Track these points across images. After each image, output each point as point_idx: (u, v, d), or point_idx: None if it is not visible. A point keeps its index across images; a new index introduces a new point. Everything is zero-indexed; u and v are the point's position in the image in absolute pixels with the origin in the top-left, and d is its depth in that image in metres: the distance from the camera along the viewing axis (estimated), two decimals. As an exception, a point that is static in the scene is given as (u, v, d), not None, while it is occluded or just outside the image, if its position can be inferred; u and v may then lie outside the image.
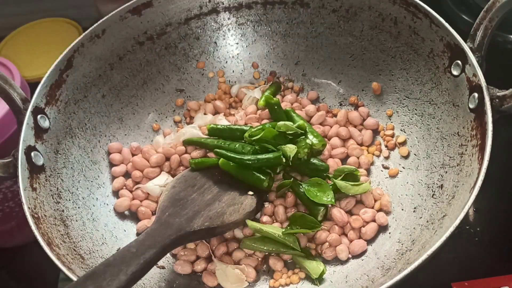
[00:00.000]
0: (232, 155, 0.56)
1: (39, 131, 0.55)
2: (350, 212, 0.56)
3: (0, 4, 0.96)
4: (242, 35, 0.69)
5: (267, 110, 0.63)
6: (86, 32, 0.61)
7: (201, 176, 0.57)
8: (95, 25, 0.62)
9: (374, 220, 0.55)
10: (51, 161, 0.56)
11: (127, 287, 0.42)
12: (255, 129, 0.58)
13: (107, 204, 0.59)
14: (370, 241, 0.54)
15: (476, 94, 0.49)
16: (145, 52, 0.66)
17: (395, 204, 0.56)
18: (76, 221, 0.55)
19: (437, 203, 0.51)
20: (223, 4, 0.67)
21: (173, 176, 0.61)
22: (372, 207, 0.56)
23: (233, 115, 0.65)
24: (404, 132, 0.60)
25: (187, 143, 0.62)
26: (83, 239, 0.53)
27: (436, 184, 0.53)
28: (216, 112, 0.67)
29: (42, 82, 0.57)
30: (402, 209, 0.55)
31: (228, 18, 0.68)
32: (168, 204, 0.53)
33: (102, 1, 0.84)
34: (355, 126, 0.62)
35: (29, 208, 0.49)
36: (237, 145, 0.58)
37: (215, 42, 0.69)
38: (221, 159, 0.56)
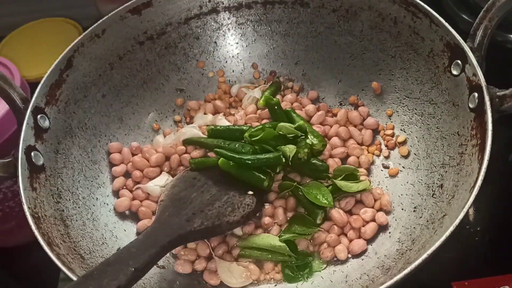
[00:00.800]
0: (232, 154, 0.56)
1: (39, 131, 0.55)
2: (350, 212, 0.56)
3: (0, 4, 0.96)
4: (242, 35, 0.69)
5: (267, 109, 0.63)
6: (86, 32, 0.61)
7: (201, 176, 0.57)
8: (95, 25, 0.62)
9: (374, 220, 0.55)
10: (51, 161, 0.56)
11: (128, 287, 0.42)
12: (255, 129, 0.58)
13: (107, 204, 0.59)
14: (370, 241, 0.54)
15: (476, 94, 0.49)
16: (145, 52, 0.66)
17: (395, 204, 0.56)
18: (76, 221, 0.55)
19: (437, 203, 0.51)
20: (223, 3, 0.67)
21: (173, 176, 0.61)
22: (372, 207, 0.56)
23: (233, 115, 0.65)
24: (404, 131, 0.60)
25: (187, 142, 0.62)
26: (83, 239, 0.53)
27: (436, 183, 0.53)
28: (216, 112, 0.67)
29: (42, 82, 0.57)
30: (402, 209, 0.55)
31: (228, 18, 0.68)
32: (168, 203, 0.53)
33: (102, 1, 0.84)
34: (355, 126, 0.62)
35: (29, 208, 0.49)
36: (237, 145, 0.58)
37: (215, 42, 0.69)
38: (221, 159, 0.56)
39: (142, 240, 0.47)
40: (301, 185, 0.56)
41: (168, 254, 0.54)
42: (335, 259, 0.54)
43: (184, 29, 0.67)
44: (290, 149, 0.55)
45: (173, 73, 0.68)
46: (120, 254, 0.45)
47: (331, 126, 0.62)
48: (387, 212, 0.55)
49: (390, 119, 0.62)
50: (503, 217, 0.62)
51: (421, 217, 0.52)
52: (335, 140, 0.61)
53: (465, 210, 0.43)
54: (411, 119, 0.60)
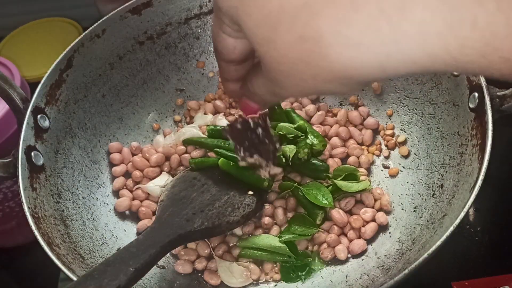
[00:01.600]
0: (232, 154, 0.56)
1: (39, 131, 0.55)
2: (350, 212, 0.56)
3: (0, 4, 0.96)
4: (242, 35, 0.69)
5: (267, 110, 0.63)
6: (86, 32, 0.61)
7: (201, 176, 0.57)
8: (95, 25, 0.62)
9: (374, 220, 0.55)
10: (51, 161, 0.56)
11: (127, 287, 0.42)
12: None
13: (107, 204, 0.59)
14: (370, 241, 0.54)
15: (476, 94, 0.49)
16: (145, 52, 0.66)
17: (395, 204, 0.56)
18: (76, 221, 0.55)
19: (437, 203, 0.51)
20: (223, 3, 0.67)
21: (173, 176, 0.61)
22: (372, 207, 0.56)
23: (233, 115, 0.65)
24: (404, 131, 0.60)
25: (187, 142, 0.62)
26: (83, 239, 0.53)
27: (436, 183, 0.53)
28: (216, 112, 0.67)
29: (42, 82, 0.57)
30: (402, 209, 0.55)
31: (228, 18, 0.68)
32: (168, 203, 0.53)
33: (102, 1, 0.84)
34: (355, 126, 0.62)
35: (29, 208, 0.49)
36: (236, 145, 0.58)
37: (215, 42, 0.69)
38: (221, 159, 0.56)
39: (142, 240, 0.47)
40: (301, 185, 0.56)
41: (168, 254, 0.54)
42: (335, 259, 0.54)
43: (184, 29, 0.67)
44: (290, 149, 0.55)
45: (173, 73, 0.68)
46: (120, 254, 0.44)
47: (331, 126, 0.62)
48: (387, 212, 0.55)
49: (390, 119, 0.62)
50: (503, 217, 0.62)
51: (421, 217, 0.52)
52: (335, 140, 0.61)
53: (465, 210, 0.43)
54: (411, 119, 0.60)
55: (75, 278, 0.45)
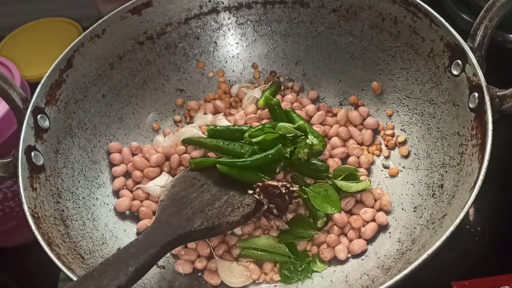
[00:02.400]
0: (233, 160, 0.56)
1: (39, 131, 0.55)
2: (350, 212, 0.56)
3: (0, 4, 0.96)
4: (242, 35, 0.69)
5: (267, 110, 0.63)
6: (86, 31, 0.61)
7: (201, 176, 0.57)
8: (95, 25, 0.62)
9: (374, 220, 0.55)
10: (51, 161, 0.56)
11: (128, 287, 0.42)
12: (255, 129, 0.58)
13: (107, 204, 0.59)
14: (370, 241, 0.54)
15: (476, 94, 0.49)
16: (145, 52, 0.66)
17: (395, 204, 0.56)
18: (76, 220, 0.55)
19: (437, 203, 0.51)
20: (223, 3, 0.67)
21: (173, 176, 0.61)
22: (372, 207, 0.56)
23: (233, 115, 0.65)
24: (404, 131, 0.60)
25: (186, 142, 0.62)
26: (83, 239, 0.53)
27: (436, 183, 0.53)
28: (216, 112, 0.67)
29: (42, 82, 0.57)
30: (402, 209, 0.55)
31: (228, 18, 0.68)
32: (168, 203, 0.53)
33: (102, 1, 0.84)
34: (355, 126, 0.62)
35: (29, 208, 0.49)
36: (235, 145, 0.58)
37: (215, 42, 0.69)
38: (219, 162, 0.56)
39: (142, 240, 0.47)
40: (309, 186, 0.56)
41: (168, 254, 0.54)
42: (335, 259, 0.54)
43: (184, 29, 0.67)
44: (290, 149, 0.55)
45: (173, 73, 0.68)
46: (120, 254, 0.44)
47: (331, 126, 0.62)
48: (387, 212, 0.55)
49: (390, 119, 0.62)
50: (503, 217, 0.62)
51: (421, 217, 0.52)
52: (335, 140, 0.61)
53: (465, 210, 0.43)
54: (411, 119, 0.60)
55: (75, 278, 0.45)
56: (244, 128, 0.60)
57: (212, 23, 0.68)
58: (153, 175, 0.61)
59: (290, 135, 0.57)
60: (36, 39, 0.86)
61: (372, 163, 0.60)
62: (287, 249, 0.53)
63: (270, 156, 0.55)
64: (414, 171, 0.57)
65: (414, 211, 0.54)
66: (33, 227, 0.48)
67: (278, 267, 0.54)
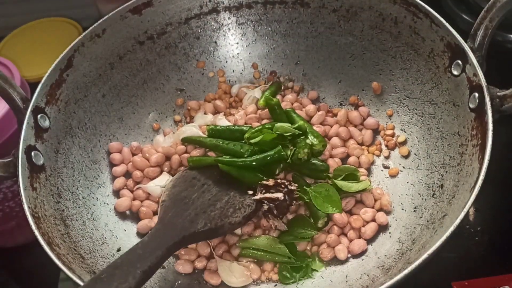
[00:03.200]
0: (232, 160, 0.56)
1: (39, 131, 0.55)
2: (350, 212, 0.56)
3: (0, 4, 0.96)
4: (242, 35, 0.69)
5: (267, 110, 0.63)
6: (86, 31, 0.61)
7: (201, 176, 0.57)
8: (95, 25, 0.62)
9: (374, 220, 0.55)
10: (51, 160, 0.56)
11: None
12: (254, 130, 0.58)
13: (107, 204, 0.59)
14: (370, 241, 0.54)
15: (476, 94, 0.49)
16: (145, 52, 0.66)
17: (395, 204, 0.56)
18: (76, 220, 0.55)
19: (437, 203, 0.51)
20: (223, 3, 0.67)
21: (173, 176, 0.61)
22: (372, 207, 0.56)
23: (233, 115, 0.65)
24: (405, 131, 0.60)
25: (186, 141, 0.62)
26: (83, 238, 0.53)
27: (437, 183, 0.53)
28: (216, 112, 0.67)
29: (42, 81, 0.57)
30: (403, 209, 0.55)
31: (229, 18, 0.68)
32: (170, 204, 0.53)
33: (102, 1, 0.84)
34: (355, 126, 0.62)
35: (29, 207, 0.49)
36: (235, 145, 0.58)
37: (215, 42, 0.69)
38: (220, 160, 0.56)
39: (147, 242, 0.47)
40: (309, 186, 0.56)
41: (168, 254, 0.54)
42: (335, 259, 0.54)
43: (185, 29, 0.67)
44: (290, 149, 0.55)
45: (173, 73, 0.68)
46: (127, 257, 0.44)
47: (331, 126, 0.62)
48: (387, 212, 0.55)
49: (390, 119, 0.62)
50: (503, 217, 0.62)
51: (421, 217, 0.52)
52: (335, 140, 0.61)
53: (465, 210, 0.43)
54: (411, 119, 0.60)
55: (75, 278, 0.44)
56: (244, 128, 0.60)
57: (212, 23, 0.68)
58: (154, 175, 0.61)
59: (288, 134, 0.57)
60: (36, 39, 0.86)
61: (372, 163, 0.60)
62: (287, 250, 0.53)
63: (269, 157, 0.55)
64: (414, 171, 0.57)
65: (414, 211, 0.54)
66: (33, 227, 0.48)
67: (278, 267, 0.54)
